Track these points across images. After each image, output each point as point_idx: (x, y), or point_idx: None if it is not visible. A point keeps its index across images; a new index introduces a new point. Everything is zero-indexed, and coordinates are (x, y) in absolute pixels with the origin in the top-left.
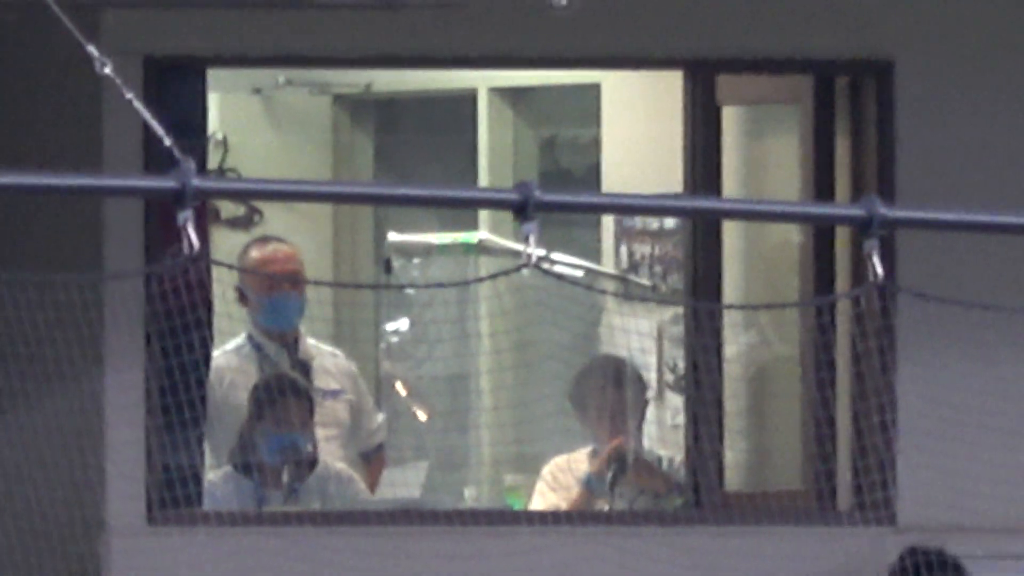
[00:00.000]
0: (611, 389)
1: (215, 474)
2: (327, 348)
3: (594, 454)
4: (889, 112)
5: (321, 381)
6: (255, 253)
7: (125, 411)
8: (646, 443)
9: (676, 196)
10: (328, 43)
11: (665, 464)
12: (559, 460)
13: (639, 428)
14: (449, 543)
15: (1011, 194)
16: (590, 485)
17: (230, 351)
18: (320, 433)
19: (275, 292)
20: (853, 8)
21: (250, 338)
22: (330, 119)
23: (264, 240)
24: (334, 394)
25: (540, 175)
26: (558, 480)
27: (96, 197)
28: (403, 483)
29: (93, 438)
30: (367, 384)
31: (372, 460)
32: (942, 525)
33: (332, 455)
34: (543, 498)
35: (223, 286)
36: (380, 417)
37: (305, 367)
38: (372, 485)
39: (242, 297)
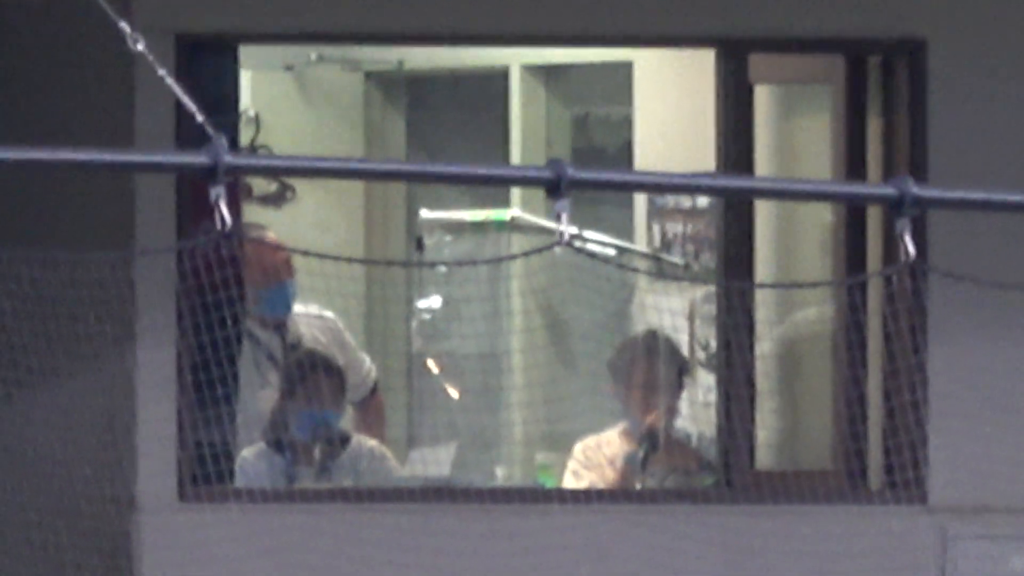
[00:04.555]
0: (651, 363)
1: (248, 451)
2: (311, 312)
3: (625, 432)
4: (921, 91)
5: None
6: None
7: (157, 388)
8: (677, 421)
9: (708, 175)
10: (360, 20)
11: (695, 440)
12: (588, 441)
13: (676, 405)
14: (480, 521)
15: None
16: (631, 460)
17: None
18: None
19: (273, 282)
20: None
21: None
22: (362, 96)
23: (247, 230)
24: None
25: (572, 153)
26: (591, 459)
27: (128, 173)
28: (434, 461)
29: (125, 415)
30: (355, 341)
31: (370, 406)
32: (973, 505)
33: None
34: (576, 478)
35: None
36: (366, 362)
37: (295, 347)
38: (377, 430)
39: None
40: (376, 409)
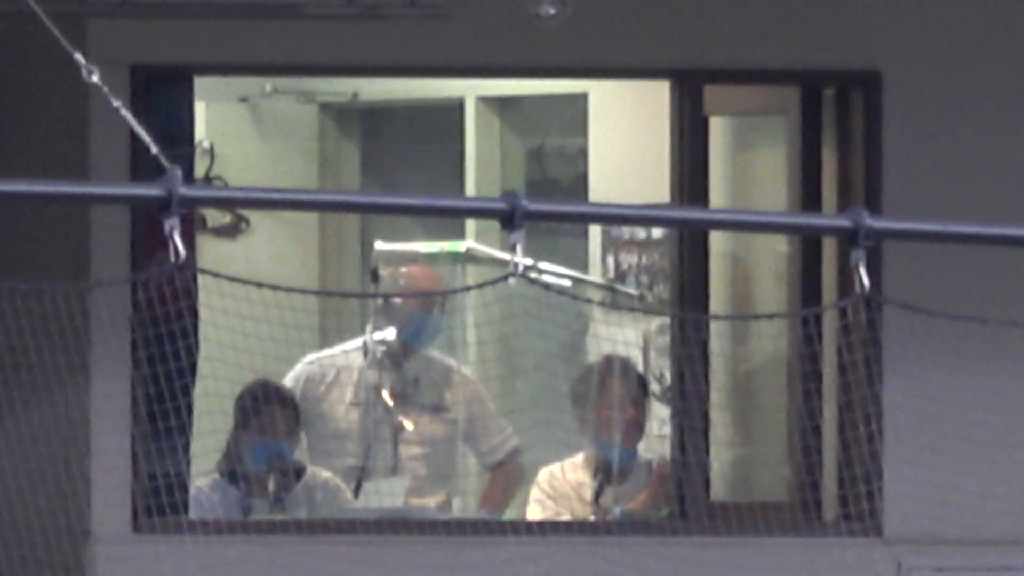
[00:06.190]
0: (613, 385)
1: (202, 482)
2: (446, 362)
3: (587, 459)
4: (876, 123)
5: (426, 396)
6: (412, 266)
7: (111, 419)
8: (639, 445)
9: (663, 206)
10: (315, 52)
11: (654, 467)
12: (553, 469)
13: (642, 424)
14: (435, 553)
15: (997, 205)
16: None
17: (346, 351)
18: (404, 451)
19: (429, 309)
20: (840, 19)
21: (365, 345)
22: (317, 128)
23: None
24: (435, 411)
25: (527, 185)
26: (556, 489)
27: (83, 205)
28: (389, 492)
29: (79, 446)
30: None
31: (504, 470)
32: (928, 537)
33: (415, 475)
34: (541, 507)
35: (209, 294)
36: (507, 429)
37: (413, 381)
38: (503, 496)
39: (386, 305)
40: (508, 475)
